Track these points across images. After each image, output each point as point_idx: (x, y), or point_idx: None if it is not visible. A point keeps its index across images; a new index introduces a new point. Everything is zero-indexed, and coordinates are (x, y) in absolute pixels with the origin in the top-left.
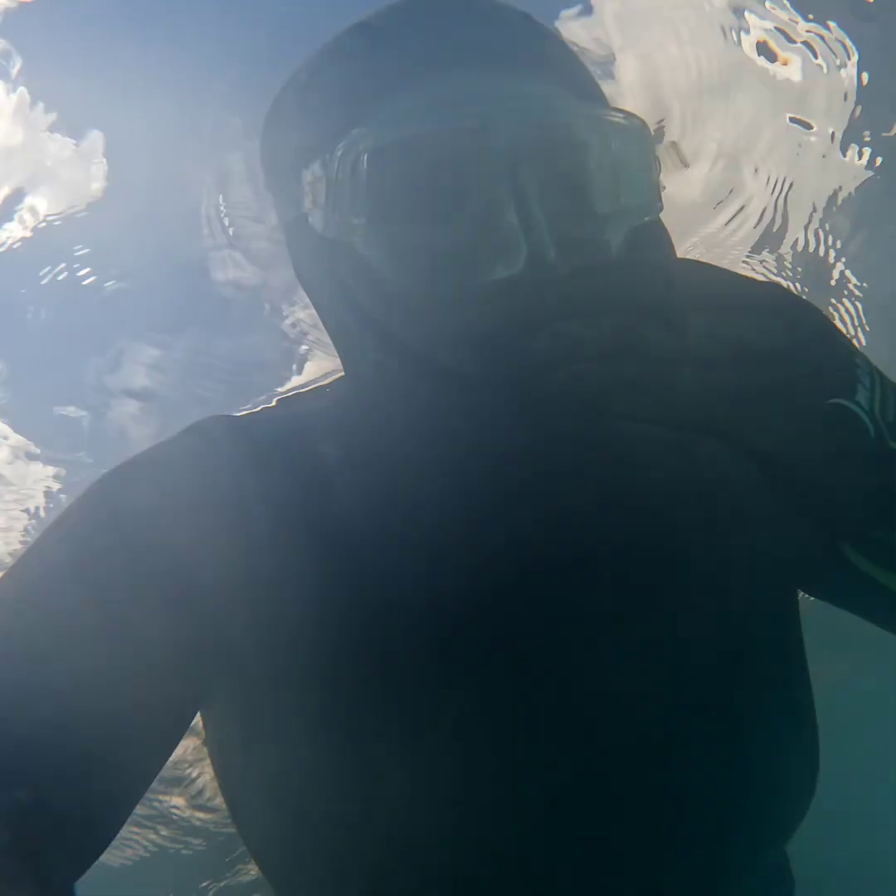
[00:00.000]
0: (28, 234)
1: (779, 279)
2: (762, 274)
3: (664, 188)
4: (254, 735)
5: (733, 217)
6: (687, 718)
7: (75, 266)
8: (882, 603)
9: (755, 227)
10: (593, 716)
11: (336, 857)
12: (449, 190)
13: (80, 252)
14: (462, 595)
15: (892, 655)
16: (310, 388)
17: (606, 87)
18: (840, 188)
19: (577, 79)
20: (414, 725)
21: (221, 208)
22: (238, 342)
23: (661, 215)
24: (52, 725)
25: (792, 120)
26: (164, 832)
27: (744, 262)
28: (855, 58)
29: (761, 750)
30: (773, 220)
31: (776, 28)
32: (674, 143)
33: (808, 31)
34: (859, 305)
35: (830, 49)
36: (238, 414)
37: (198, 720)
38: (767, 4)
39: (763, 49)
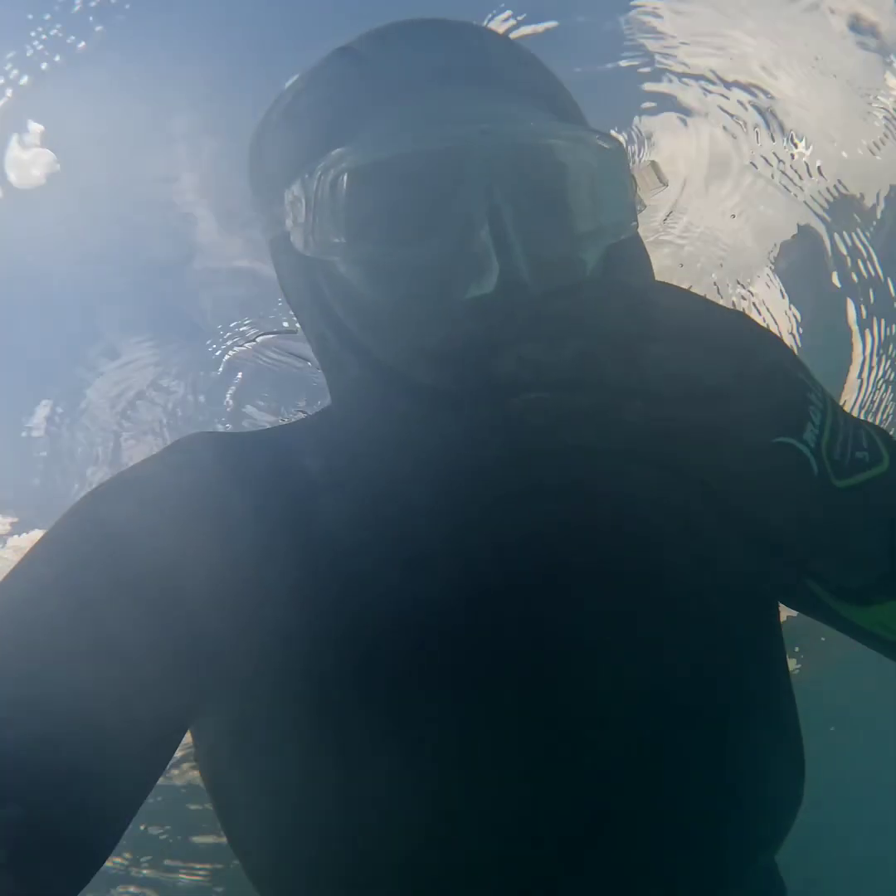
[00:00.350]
0: None
1: None
2: None
3: (642, 208)
4: (244, 746)
5: None
6: (669, 727)
7: None
8: (849, 630)
9: None
10: (578, 727)
11: (327, 867)
12: (425, 209)
13: None
14: (447, 605)
15: None
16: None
17: None
18: None
19: (554, 99)
20: (403, 735)
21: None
22: None
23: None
24: (43, 741)
25: None
26: None
27: None
28: None
29: (745, 757)
30: None
31: None
32: (653, 163)
33: None
34: None
35: None
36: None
37: None
38: None
39: None
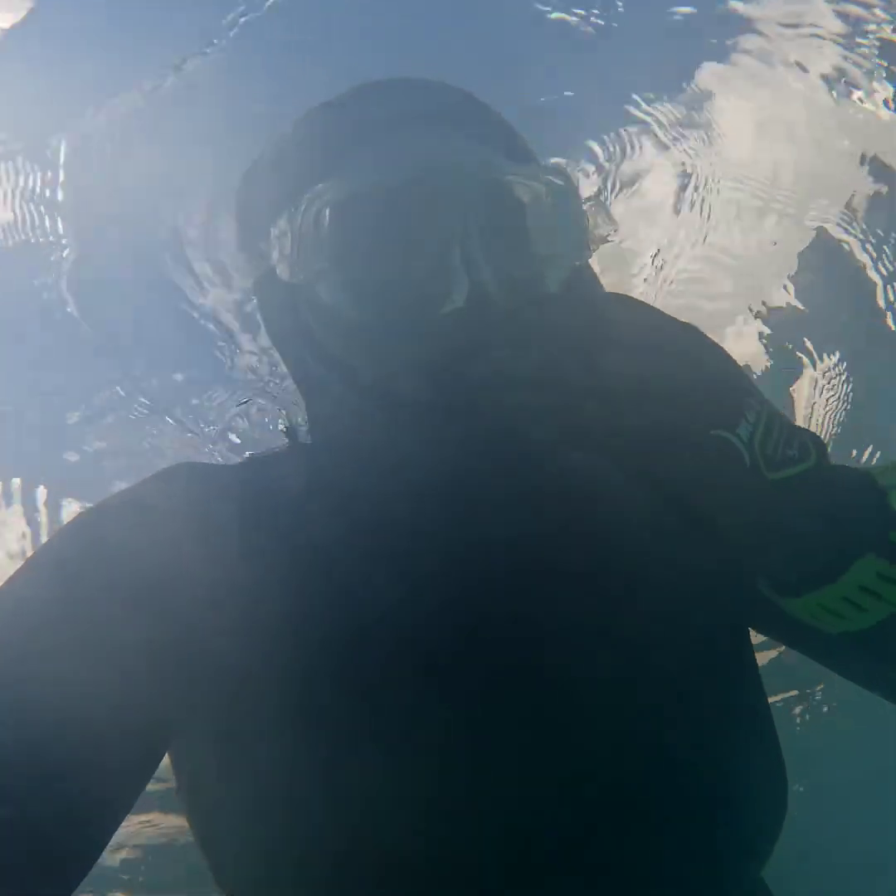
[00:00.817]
0: None
1: None
2: None
3: (595, 248)
4: (229, 753)
5: None
6: (644, 725)
7: None
8: (793, 634)
9: None
10: (557, 726)
11: (315, 871)
12: (401, 235)
13: None
14: (430, 611)
15: None
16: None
17: None
18: None
19: (512, 143)
20: (389, 740)
21: None
22: None
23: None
24: (31, 744)
25: None
26: None
27: None
28: None
29: (725, 767)
30: None
31: None
32: (601, 203)
33: None
34: None
35: None
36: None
37: None
38: None
39: None
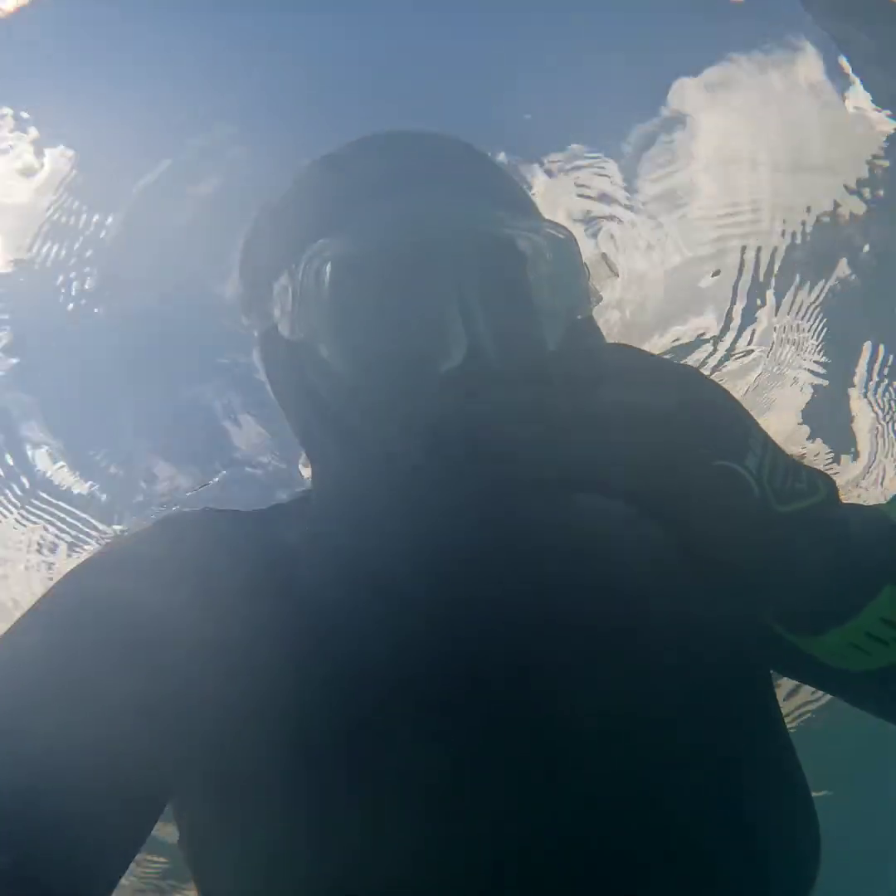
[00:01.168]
0: None
1: None
2: None
3: (599, 297)
4: (227, 806)
5: None
6: (661, 784)
7: None
8: (822, 674)
9: None
10: (561, 786)
11: None
12: (400, 295)
13: None
14: (432, 664)
15: None
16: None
17: None
18: None
19: (512, 197)
20: (387, 789)
21: None
22: None
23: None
24: (32, 795)
25: None
26: None
27: None
28: None
29: (746, 831)
30: None
31: None
32: (604, 255)
33: None
34: None
35: None
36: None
37: None
38: None
39: None
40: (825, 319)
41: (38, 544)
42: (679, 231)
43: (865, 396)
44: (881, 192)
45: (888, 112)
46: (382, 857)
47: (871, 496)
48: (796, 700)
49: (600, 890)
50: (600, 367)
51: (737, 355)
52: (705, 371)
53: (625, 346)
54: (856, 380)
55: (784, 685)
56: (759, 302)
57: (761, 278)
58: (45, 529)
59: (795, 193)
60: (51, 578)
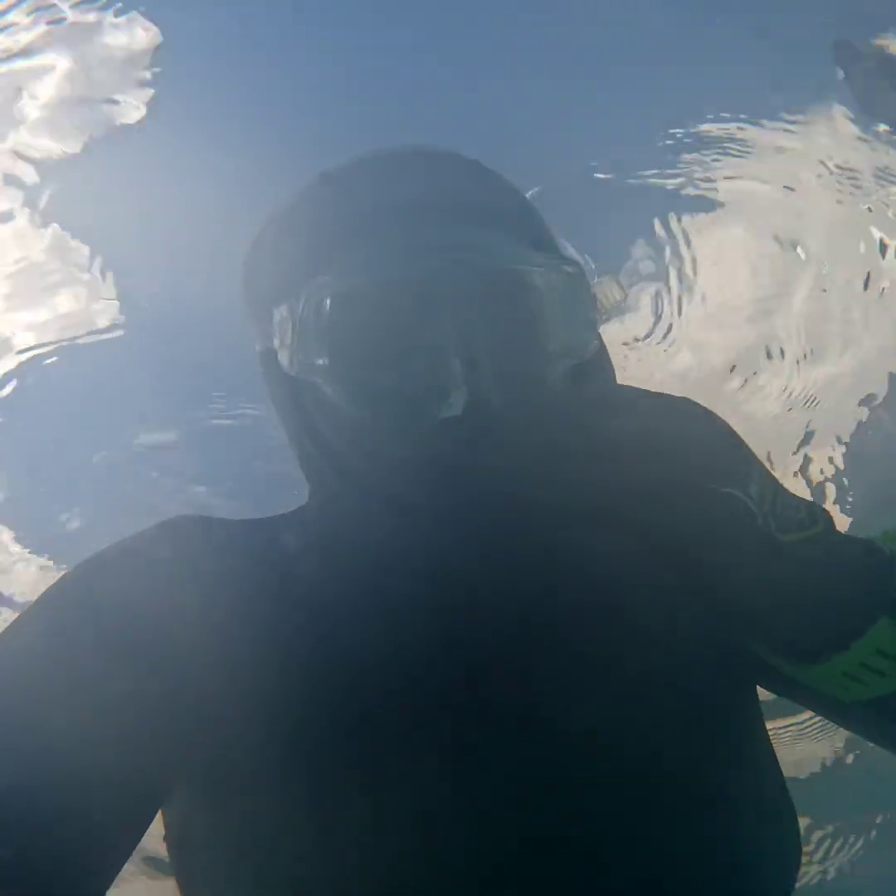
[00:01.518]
0: None
1: None
2: None
3: (605, 320)
4: (221, 809)
5: None
6: (647, 793)
7: None
8: (819, 701)
9: None
10: (554, 794)
11: None
12: (400, 334)
13: None
14: (421, 669)
15: None
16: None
17: None
18: None
19: (524, 224)
20: (379, 790)
21: None
22: None
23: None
24: (32, 791)
25: None
26: None
27: None
28: None
29: (723, 811)
30: None
31: None
32: (613, 276)
33: None
34: None
35: None
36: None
37: None
38: None
39: None
40: None
41: None
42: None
43: None
44: None
45: None
46: (375, 857)
47: None
48: None
49: (580, 889)
50: (604, 406)
51: None
52: None
53: (629, 387)
54: None
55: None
56: None
57: None
58: None
59: None
60: None
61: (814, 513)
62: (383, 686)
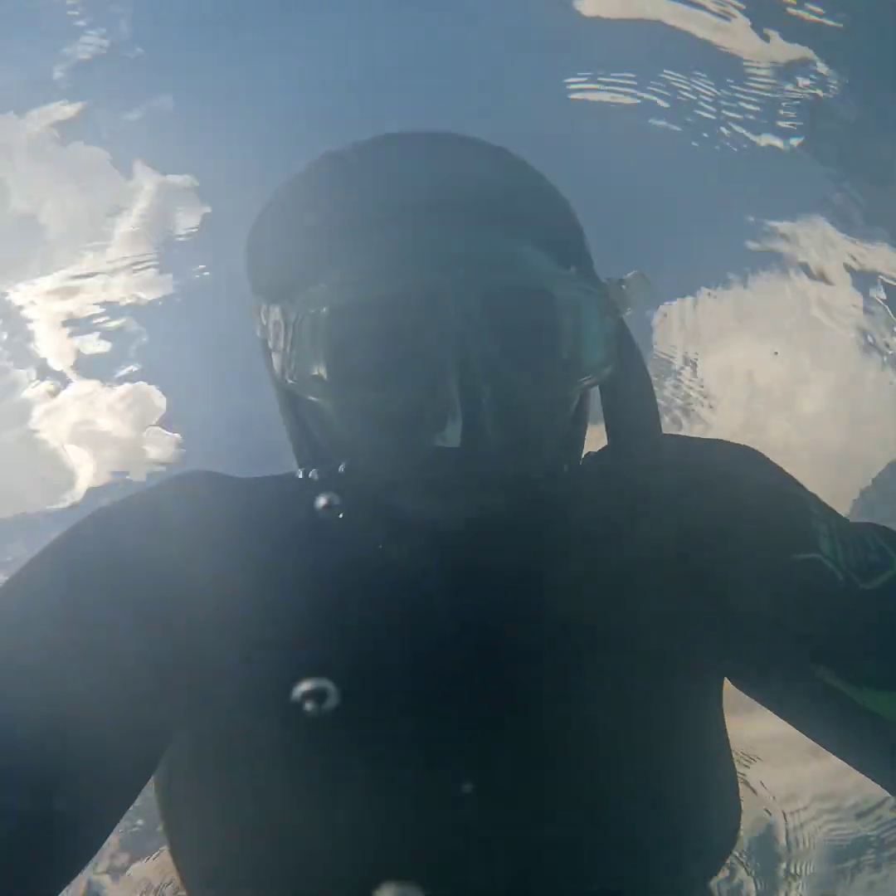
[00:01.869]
0: None
1: None
2: None
3: (629, 311)
4: (207, 760)
5: None
6: (602, 766)
7: None
8: (848, 721)
9: None
10: (512, 762)
11: (274, 874)
12: (397, 352)
13: None
14: (415, 656)
15: None
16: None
17: None
18: None
19: (551, 228)
20: (355, 761)
21: None
22: None
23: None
24: (27, 743)
25: None
26: None
27: None
28: None
29: (677, 794)
30: None
31: None
32: (641, 275)
33: None
34: None
35: None
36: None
37: None
38: None
39: None
40: None
41: None
42: None
43: None
44: None
45: None
46: (344, 817)
47: None
48: None
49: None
50: (635, 470)
51: None
52: None
53: (673, 439)
54: None
55: None
56: None
57: None
58: None
59: None
60: None
61: (881, 548)
62: (362, 675)
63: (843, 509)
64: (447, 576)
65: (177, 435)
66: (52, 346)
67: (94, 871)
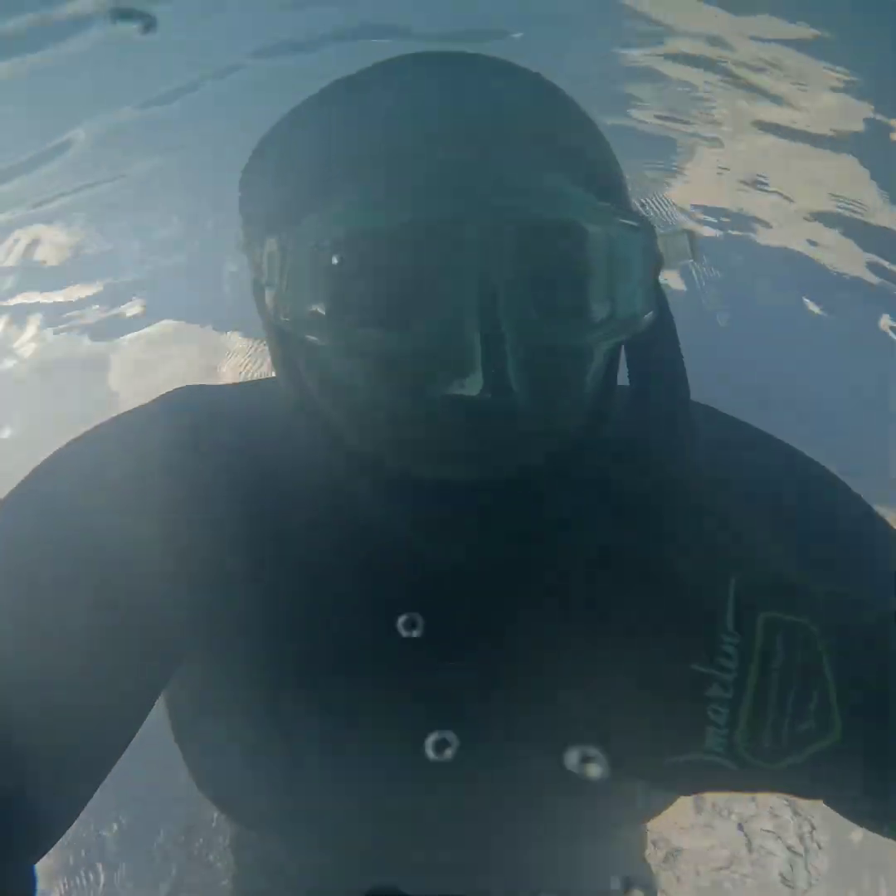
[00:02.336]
0: None
1: None
2: None
3: (667, 265)
4: (201, 705)
5: None
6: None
7: None
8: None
9: None
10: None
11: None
12: (409, 289)
13: None
14: (386, 623)
15: None
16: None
17: None
18: None
19: (589, 162)
20: (327, 714)
21: None
22: None
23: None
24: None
25: None
26: None
27: None
28: None
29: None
30: None
31: None
32: (688, 231)
33: None
34: None
35: None
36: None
37: None
38: None
39: None
40: None
41: None
42: None
43: None
44: None
45: None
46: (321, 763)
47: None
48: None
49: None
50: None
51: None
52: None
53: (719, 420)
54: None
55: None
56: None
57: None
58: None
59: None
60: None
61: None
62: (341, 631)
63: None
64: (441, 527)
65: None
66: None
67: None
